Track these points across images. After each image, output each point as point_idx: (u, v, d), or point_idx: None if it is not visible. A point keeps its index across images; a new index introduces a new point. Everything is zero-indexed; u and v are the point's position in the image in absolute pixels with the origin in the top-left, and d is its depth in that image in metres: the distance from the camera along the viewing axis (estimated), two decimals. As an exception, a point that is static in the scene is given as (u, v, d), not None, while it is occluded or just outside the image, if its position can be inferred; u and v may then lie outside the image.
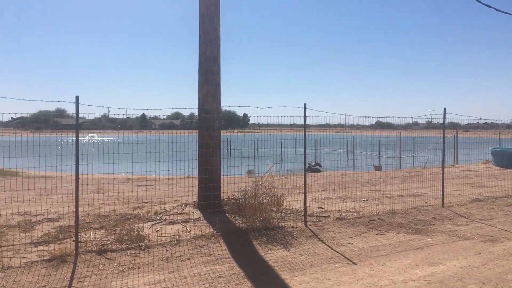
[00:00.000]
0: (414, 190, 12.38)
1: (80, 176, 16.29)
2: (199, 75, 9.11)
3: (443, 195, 10.23)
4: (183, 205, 9.34)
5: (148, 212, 8.90)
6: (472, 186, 13.42)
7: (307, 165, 23.90)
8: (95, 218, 8.33)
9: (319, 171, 21.16)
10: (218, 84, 9.14)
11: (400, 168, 23.60)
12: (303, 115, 7.95)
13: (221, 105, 9.27)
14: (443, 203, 10.13)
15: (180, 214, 8.66)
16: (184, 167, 9.39)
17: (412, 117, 11.94)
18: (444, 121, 10.49)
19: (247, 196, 7.70)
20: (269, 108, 7.92)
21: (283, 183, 14.06)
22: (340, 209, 9.56)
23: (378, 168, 22.23)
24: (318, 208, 9.70)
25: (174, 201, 10.35)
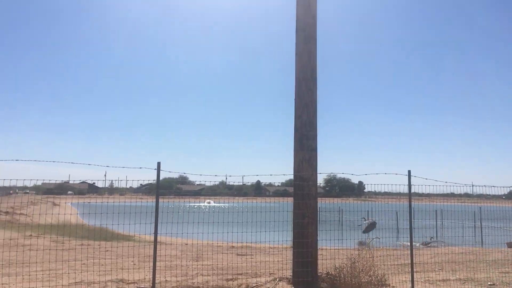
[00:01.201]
0: (557, 275, 10.24)
1: (186, 242, 16.39)
2: (294, 141, 8.71)
3: None
4: (277, 280, 8.68)
5: (239, 286, 8.39)
6: None
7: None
8: (185, 290, 8.02)
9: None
10: (314, 150, 8.62)
11: (539, 246, 20.28)
12: (407, 183, 7.04)
13: (330, 172, 8.75)
14: None
15: (271, 290, 8.00)
16: (290, 237, 8.91)
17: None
18: None
19: (342, 275, 6.83)
20: (366, 175, 7.16)
21: (395, 257, 12.72)
22: (459, 294, 8.10)
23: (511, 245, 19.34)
24: (432, 291, 8.34)
25: (270, 274, 9.73)
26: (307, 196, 8.42)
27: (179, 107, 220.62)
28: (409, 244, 7.98)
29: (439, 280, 9.43)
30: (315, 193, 8.59)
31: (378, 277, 6.96)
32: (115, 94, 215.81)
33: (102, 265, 10.68)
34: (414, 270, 10.57)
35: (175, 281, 9.00)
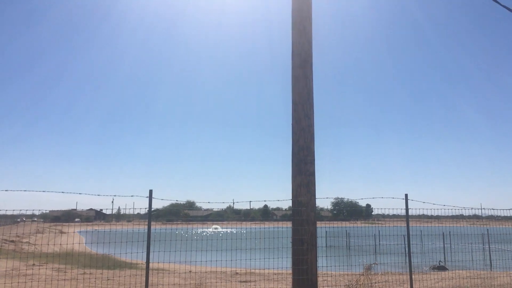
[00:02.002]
0: None
1: (190, 269, 16.21)
2: (292, 165, 8.66)
3: None
4: (277, 308, 8.50)
5: (238, 314, 8.23)
6: None
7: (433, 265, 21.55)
8: (182, 319, 7.88)
9: (445, 269, 18.77)
10: (312, 174, 8.56)
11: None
12: (404, 207, 6.94)
13: (326, 196, 8.69)
14: None
15: (271, 318, 7.84)
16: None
17: None
18: None
19: (340, 302, 6.69)
20: (362, 199, 7.07)
21: (399, 283, 12.48)
22: (464, 321, 7.89)
23: (522, 267, 18.85)
24: (436, 318, 8.13)
25: (271, 302, 9.56)
26: (305, 221, 8.31)
27: (179, 133, 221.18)
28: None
29: (444, 306, 9.21)
30: (314, 218, 8.48)
31: (378, 304, 6.80)
32: (120, 119, 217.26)
33: (102, 294, 10.56)
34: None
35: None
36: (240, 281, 13.80)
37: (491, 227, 23.94)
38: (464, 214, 11.51)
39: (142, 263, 19.18)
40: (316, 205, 8.89)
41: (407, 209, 7.00)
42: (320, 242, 8.88)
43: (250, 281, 13.73)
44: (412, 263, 7.47)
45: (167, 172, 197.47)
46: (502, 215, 9.69)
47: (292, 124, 8.87)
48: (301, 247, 8.18)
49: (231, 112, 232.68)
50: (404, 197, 6.93)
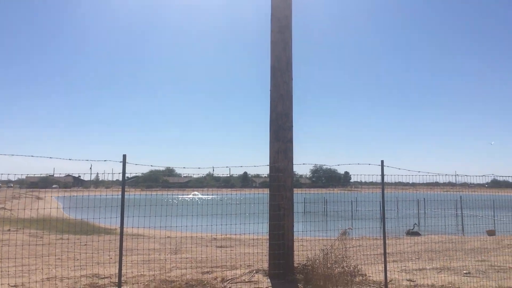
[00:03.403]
0: (533, 262, 10.34)
1: (168, 235, 16.25)
2: (270, 132, 8.63)
3: None
4: (254, 272, 8.62)
5: (215, 279, 8.31)
6: None
7: (408, 229, 22.15)
8: (159, 284, 7.92)
9: (418, 234, 19.31)
10: (290, 141, 8.56)
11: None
12: (380, 173, 7.00)
13: (302, 162, 8.73)
14: None
15: (247, 282, 7.94)
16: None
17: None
18: None
19: (315, 266, 6.80)
20: (338, 166, 7.11)
21: (375, 247, 12.78)
22: (434, 283, 8.12)
23: (491, 232, 19.55)
24: (407, 280, 8.35)
25: (248, 266, 9.68)
26: (282, 187, 8.35)
27: (160, 100, 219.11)
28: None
29: (415, 269, 9.47)
30: (291, 184, 8.53)
31: (351, 268, 6.93)
32: (100, 87, 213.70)
33: (78, 259, 10.54)
34: (392, 259, 10.65)
35: (151, 275, 8.91)
36: (217, 246, 13.94)
37: (464, 194, 24.60)
38: (439, 182, 11.73)
39: (118, 229, 19.22)
40: (295, 172, 8.95)
41: (382, 175, 7.06)
42: (297, 208, 8.94)
43: (227, 246, 13.89)
44: (386, 228, 7.59)
45: (147, 140, 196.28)
46: (475, 182, 9.87)
47: (270, 90, 8.77)
48: (277, 213, 8.24)
49: (210, 79, 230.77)
50: (380, 164, 6.98)
